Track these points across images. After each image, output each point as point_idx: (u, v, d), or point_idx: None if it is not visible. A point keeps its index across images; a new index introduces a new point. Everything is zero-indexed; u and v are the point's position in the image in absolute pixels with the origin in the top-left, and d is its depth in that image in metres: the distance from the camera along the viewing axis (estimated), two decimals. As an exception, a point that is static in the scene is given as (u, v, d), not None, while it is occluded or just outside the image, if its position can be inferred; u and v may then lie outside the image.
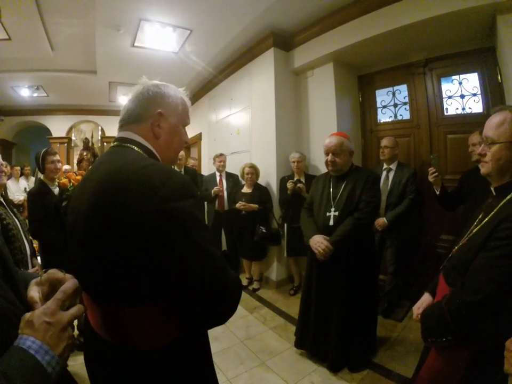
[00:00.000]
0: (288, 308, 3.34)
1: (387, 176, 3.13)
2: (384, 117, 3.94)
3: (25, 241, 2.03)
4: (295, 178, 3.57)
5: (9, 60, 4.64)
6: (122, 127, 0.92)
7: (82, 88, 5.99)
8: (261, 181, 3.97)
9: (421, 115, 3.50)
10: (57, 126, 7.44)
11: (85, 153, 7.19)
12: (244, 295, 3.68)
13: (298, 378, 2.22)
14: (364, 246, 2.25)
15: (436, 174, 2.56)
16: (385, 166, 3.18)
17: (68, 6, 3.38)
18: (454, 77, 3.28)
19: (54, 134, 7.47)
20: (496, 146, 1.09)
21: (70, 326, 0.61)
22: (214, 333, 2.74)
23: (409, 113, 3.66)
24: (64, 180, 2.52)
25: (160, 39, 3.95)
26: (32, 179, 6.39)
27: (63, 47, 4.36)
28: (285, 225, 3.70)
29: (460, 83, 3.23)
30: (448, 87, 3.33)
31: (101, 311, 0.78)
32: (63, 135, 7.51)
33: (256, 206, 3.65)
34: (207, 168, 5.69)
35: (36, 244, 2.44)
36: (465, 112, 3.22)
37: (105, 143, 7.67)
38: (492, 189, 1.19)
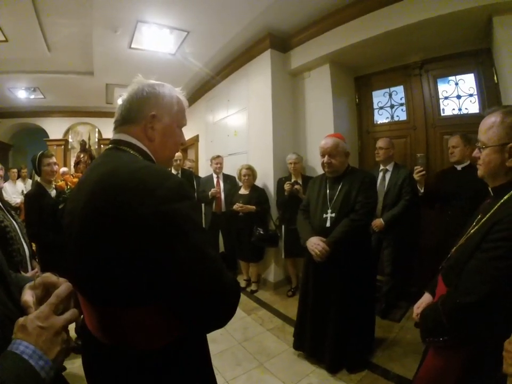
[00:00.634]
0: (285, 309, 3.34)
1: (383, 177, 3.13)
2: (381, 118, 3.95)
3: (24, 243, 2.01)
4: (292, 180, 3.58)
5: (6, 61, 4.61)
6: (116, 128, 0.91)
7: (79, 90, 5.98)
8: (258, 182, 3.97)
9: (417, 116, 3.52)
10: (54, 128, 7.42)
11: (82, 155, 7.17)
12: (242, 296, 3.64)
13: (297, 379, 2.22)
14: (361, 247, 2.25)
15: (423, 172, 2.58)
16: (381, 167, 3.18)
17: (65, 6, 3.36)
18: (450, 78, 3.31)
19: (51, 136, 7.45)
20: (487, 150, 1.10)
21: (64, 331, 0.60)
22: (212, 335, 2.69)
23: (405, 114, 3.68)
24: (61, 183, 2.52)
25: (158, 40, 3.95)
26: (29, 181, 6.36)
27: (60, 48, 4.35)
28: (282, 226, 3.70)
29: (456, 84, 3.25)
30: (445, 88, 3.35)
31: (98, 313, 0.77)
32: (60, 137, 7.49)
33: (254, 207, 3.65)
34: (204, 170, 5.68)
35: (34, 246, 2.43)
36: (461, 113, 3.24)
37: (102, 145, 7.65)
38: (490, 189, 1.19)
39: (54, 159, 2.57)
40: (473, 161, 1.22)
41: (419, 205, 2.98)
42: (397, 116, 3.79)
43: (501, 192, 1.11)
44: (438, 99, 3.38)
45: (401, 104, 3.72)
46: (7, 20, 3.52)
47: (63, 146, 7.50)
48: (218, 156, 4.26)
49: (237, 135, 4.64)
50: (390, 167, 3.12)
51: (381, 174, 3.15)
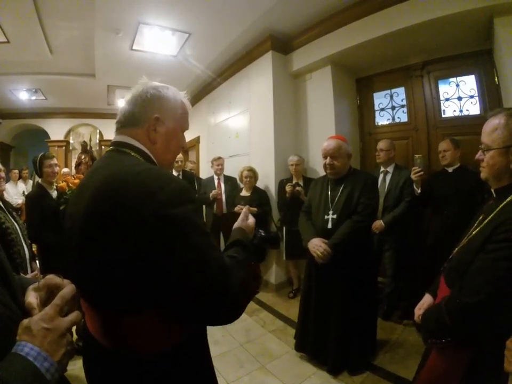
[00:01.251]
0: (287, 311, 3.33)
1: (384, 179, 3.12)
2: (382, 119, 3.95)
3: (24, 245, 2.01)
4: (294, 181, 3.57)
5: (8, 63, 4.64)
6: (118, 129, 0.91)
7: (81, 92, 6.00)
8: (260, 184, 3.97)
9: (418, 117, 3.51)
10: (56, 129, 7.45)
11: (83, 157, 7.16)
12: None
13: (298, 381, 2.21)
14: (363, 248, 2.25)
15: (421, 173, 2.64)
16: (382, 168, 3.17)
17: (67, 9, 3.37)
18: (451, 79, 3.31)
19: (52, 137, 7.47)
20: (491, 153, 1.10)
21: (69, 332, 0.60)
22: (213, 337, 2.73)
23: (407, 116, 3.68)
24: (62, 184, 2.51)
25: (159, 42, 3.96)
26: (31, 182, 6.38)
27: (61, 50, 4.36)
28: (284, 228, 3.69)
29: (457, 85, 3.25)
30: (446, 89, 3.35)
31: (99, 317, 0.77)
32: (61, 138, 7.51)
33: (255, 209, 3.65)
34: (205, 172, 5.68)
35: (35, 247, 2.43)
36: (462, 114, 3.24)
37: (103, 147, 7.66)
38: (492, 190, 1.19)
39: (55, 161, 2.57)
40: (476, 163, 1.22)
41: (419, 206, 2.97)
42: (398, 118, 3.78)
43: (504, 194, 1.11)
44: (439, 100, 3.37)
45: (403, 106, 3.72)
46: (9, 21, 3.54)
47: (64, 148, 7.54)
48: (219, 158, 4.26)
49: (239, 137, 4.65)
50: (390, 169, 3.12)
51: (381, 176, 3.14)
